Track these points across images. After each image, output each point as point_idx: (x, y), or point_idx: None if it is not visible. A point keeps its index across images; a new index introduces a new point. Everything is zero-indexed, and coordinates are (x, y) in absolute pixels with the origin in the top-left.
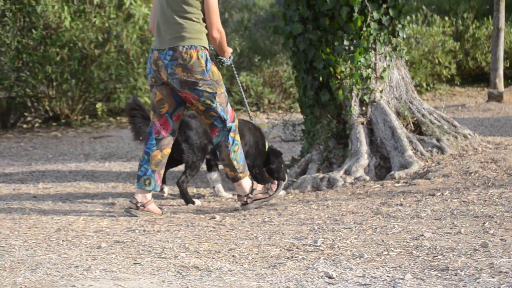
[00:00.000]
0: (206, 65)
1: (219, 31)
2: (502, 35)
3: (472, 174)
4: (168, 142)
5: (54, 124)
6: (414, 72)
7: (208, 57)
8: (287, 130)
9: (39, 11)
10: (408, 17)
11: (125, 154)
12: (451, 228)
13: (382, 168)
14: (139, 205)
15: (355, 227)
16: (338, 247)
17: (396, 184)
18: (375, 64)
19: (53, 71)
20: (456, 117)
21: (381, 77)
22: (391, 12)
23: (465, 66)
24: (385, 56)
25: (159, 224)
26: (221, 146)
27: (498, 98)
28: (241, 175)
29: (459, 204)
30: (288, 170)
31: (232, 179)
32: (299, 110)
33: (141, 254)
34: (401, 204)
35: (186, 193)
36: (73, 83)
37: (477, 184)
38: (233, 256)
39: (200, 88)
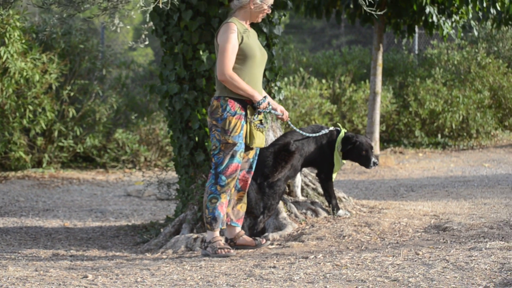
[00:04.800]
0: (223, 114)
1: (223, 74)
2: (378, 99)
3: (346, 238)
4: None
5: None
6: None
7: (229, 108)
8: (162, 189)
9: None
10: (286, 79)
11: None
12: None
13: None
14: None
15: None
16: None
17: (270, 246)
18: None
19: None
20: None
21: None
22: (267, 74)
23: None
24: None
25: (31, 282)
26: (205, 189)
27: None
28: (207, 225)
29: (332, 267)
30: (162, 230)
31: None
32: (174, 168)
33: None
34: (274, 267)
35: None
36: None
37: (350, 247)
38: None
39: (213, 133)
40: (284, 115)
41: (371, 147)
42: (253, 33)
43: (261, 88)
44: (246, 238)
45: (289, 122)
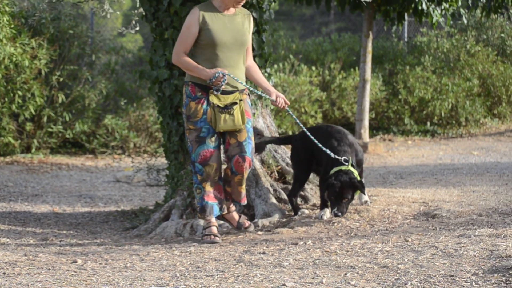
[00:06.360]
0: (185, 100)
1: (172, 58)
2: (368, 86)
3: (335, 224)
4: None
5: None
6: (280, 120)
7: (189, 93)
8: (152, 174)
9: None
10: (276, 66)
11: None
12: (313, 278)
13: (246, 215)
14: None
15: (217, 275)
16: None
17: (259, 232)
18: None
19: None
20: None
21: None
22: (257, 61)
23: (331, 116)
24: (251, 105)
25: (20, 267)
26: None
27: (363, 148)
28: (199, 214)
29: (322, 253)
30: (151, 215)
31: None
32: (164, 154)
33: None
34: (263, 253)
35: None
36: None
37: (340, 234)
38: None
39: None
40: (278, 103)
41: (339, 200)
42: (233, 17)
43: (241, 74)
44: (234, 216)
45: (289, 110)
